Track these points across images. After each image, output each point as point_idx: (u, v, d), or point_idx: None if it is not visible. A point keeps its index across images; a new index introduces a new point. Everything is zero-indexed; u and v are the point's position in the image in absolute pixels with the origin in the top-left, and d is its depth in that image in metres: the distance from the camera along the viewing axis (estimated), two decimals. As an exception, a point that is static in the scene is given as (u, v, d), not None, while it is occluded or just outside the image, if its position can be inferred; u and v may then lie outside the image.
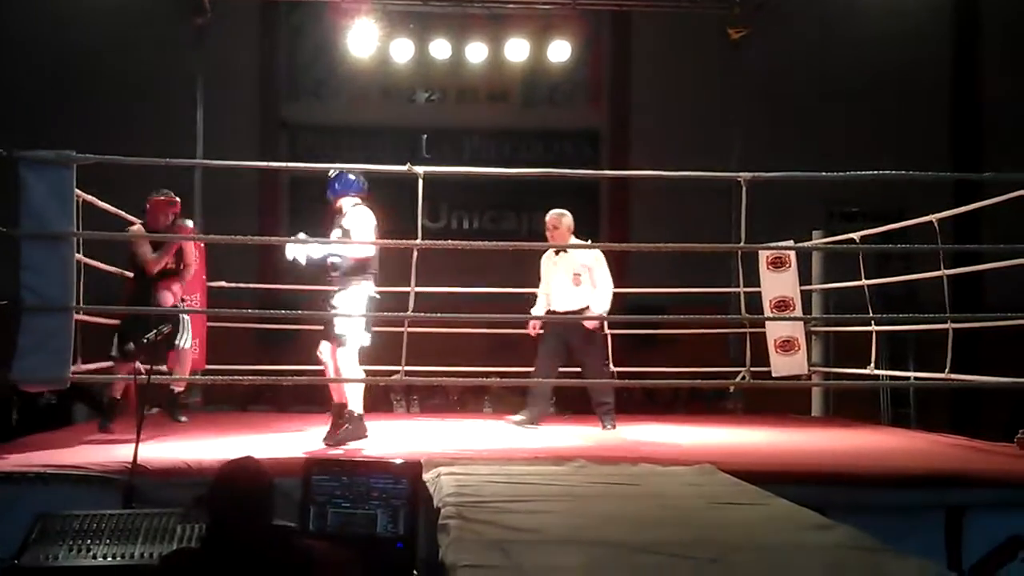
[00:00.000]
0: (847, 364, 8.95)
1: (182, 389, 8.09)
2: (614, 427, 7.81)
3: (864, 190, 12.18)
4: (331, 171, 6.97)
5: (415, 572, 4.40)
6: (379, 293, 6.69)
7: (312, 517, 4.40)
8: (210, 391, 10.06)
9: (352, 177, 6.89)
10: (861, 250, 8.73)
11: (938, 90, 14.05)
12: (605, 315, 7.92)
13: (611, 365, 8.59)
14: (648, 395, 11.48)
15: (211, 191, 10.14)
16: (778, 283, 9.04)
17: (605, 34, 14.17)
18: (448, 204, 13.84)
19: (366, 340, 6.61)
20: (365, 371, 6.76)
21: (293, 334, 9.57)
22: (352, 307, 6.58)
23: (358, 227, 6.69)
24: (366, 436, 6.53)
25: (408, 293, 6.45)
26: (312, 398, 9.43)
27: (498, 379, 8.72)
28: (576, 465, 5.55)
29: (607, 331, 8.53)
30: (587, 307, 7.81)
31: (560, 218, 8.02)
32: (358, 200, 6.84)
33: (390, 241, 6.89)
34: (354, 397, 6.62)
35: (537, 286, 8.20)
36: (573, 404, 9.75)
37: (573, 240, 8.05)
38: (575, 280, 7.88)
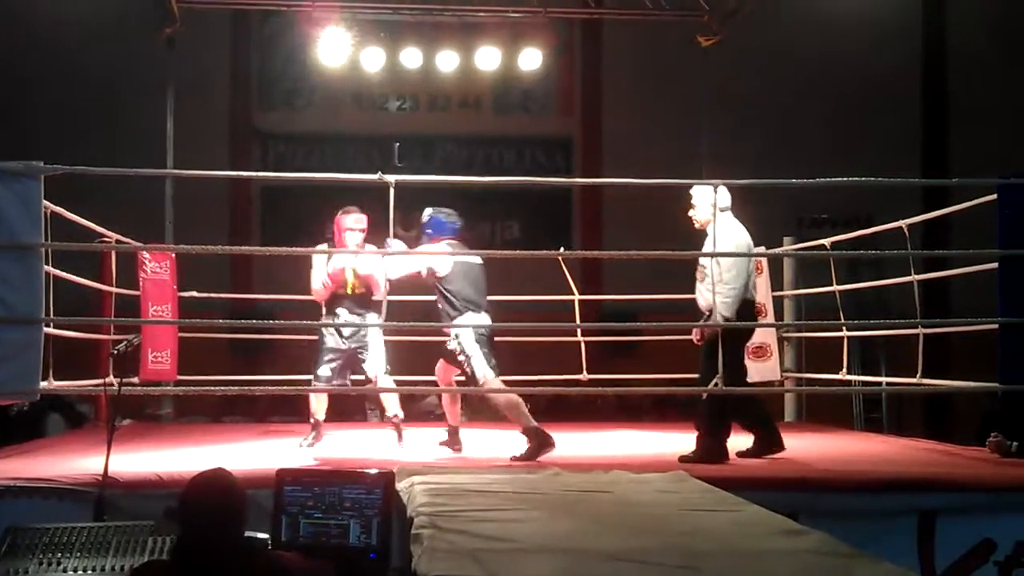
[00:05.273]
0: (819, 369, 8.99)
1: None
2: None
3: (834, 196, 12.30)
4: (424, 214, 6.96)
5: (388, 582, 4.39)
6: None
7: (284, 528, 4.36)
8: (183, 402, 9.99)
9: (444, 219, 6.93)
10: (832, 256, 8.77)
11: (908, 96, 14.17)
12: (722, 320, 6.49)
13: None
14: (621, 402, 11.47)
15: (182, 200, 10.07)
16: (750, 289, 9.04)
17: (576, 42, 14.25)
18: (420, 212, 13.81)
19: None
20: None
21: (267, 343, 9.50)
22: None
23: None
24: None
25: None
26: (290, 408, 9.38)
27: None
28: (550, 473, 5.54)
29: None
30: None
31: (697, 192, 6.69)
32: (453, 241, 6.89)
33: (362, 250, 6.89)
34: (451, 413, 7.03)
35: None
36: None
37: (728, 218, 6.64)
38: (699, 274, 6.78)
